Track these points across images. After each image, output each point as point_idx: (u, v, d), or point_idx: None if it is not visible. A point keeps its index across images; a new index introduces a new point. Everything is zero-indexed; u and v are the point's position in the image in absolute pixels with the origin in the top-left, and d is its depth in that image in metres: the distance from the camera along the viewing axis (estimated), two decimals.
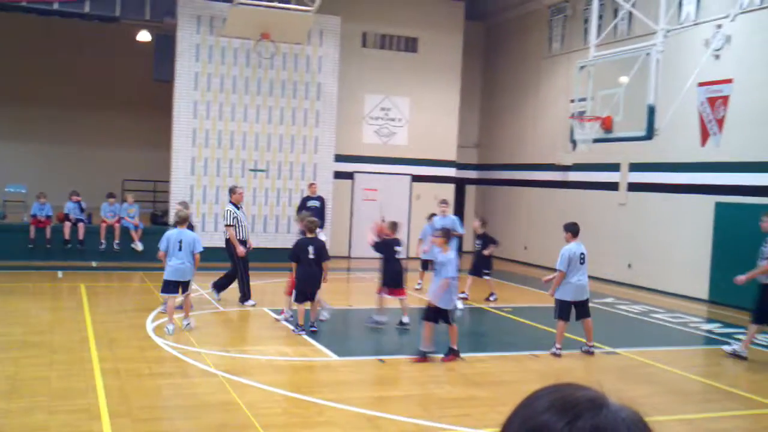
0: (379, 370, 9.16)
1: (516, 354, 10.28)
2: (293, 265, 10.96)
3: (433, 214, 14.93)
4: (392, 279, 11.33)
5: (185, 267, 10.57)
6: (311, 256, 10.76)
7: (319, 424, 7.03)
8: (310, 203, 18.08)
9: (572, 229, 10.32)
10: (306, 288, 10.81)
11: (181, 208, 11.74)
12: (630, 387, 8.70)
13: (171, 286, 10.55)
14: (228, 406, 7.36)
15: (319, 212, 17.94)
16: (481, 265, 14.68)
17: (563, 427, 1.01)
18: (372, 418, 7.17)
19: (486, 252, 14.61)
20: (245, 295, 12.96)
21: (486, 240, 14.72)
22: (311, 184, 18.53)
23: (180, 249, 10.55)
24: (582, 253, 10.15)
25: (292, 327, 11.03)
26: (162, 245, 10.67)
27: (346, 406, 7.47)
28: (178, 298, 10.79)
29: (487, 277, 14.62)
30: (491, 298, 14.52)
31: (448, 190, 22.32)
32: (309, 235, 10.96)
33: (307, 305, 10.91)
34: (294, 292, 10.98)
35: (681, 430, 7.21)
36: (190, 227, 11.50)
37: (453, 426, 7.05)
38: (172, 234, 10.74)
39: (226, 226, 12.83)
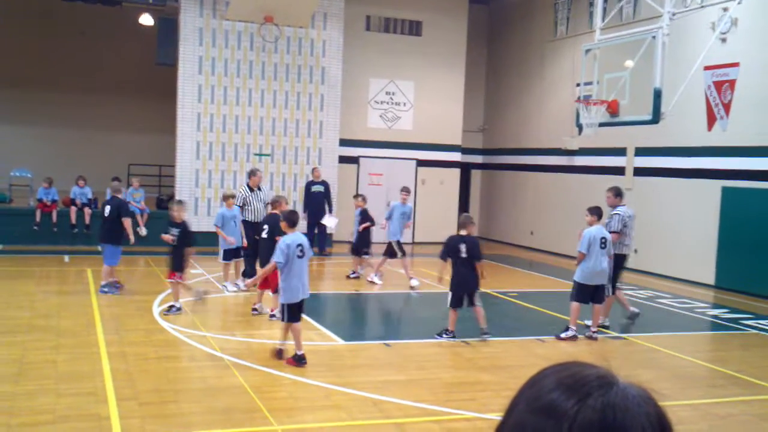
0: (385, 354, 9.17)
1: (522, 339, 10.28)
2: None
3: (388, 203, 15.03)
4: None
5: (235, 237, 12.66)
6: (463, 255, 9.71)
7: (325, 407, 7.04)
8: (314, 188, 18.07)
9: (596, 213, 10.34)
10: (461, 292, 9.76)
11: (229, 187, 14.87)
12: (636, 372, 8.70)
13: (228, 254, 12.79)
14: (234, 389, 7.39)
15: (324, 197, 17.96)
16: (361, 244, 14.57)
17: (573, 405, 0.99)
18: (378, 402, 7.19)
19: (361, 227, 14.51)
20: (246, 273, 12.88)
21: (365, 217, 14.64)
22: (314, 169, 18.51)
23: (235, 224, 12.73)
24: (603, 238, 10.15)
25: (444, 336, 9.87)
26: (218, 221, 12.76)
27: (352, 390, 7.49)
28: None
29: (366, 256, 14.63)
30: (352, 275, 14.71)
31: (454, 175, 22.29)
32: (461, 232, 9.87)
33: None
34: (450, 296, 9.89)
35: (687, 415, 7.21)
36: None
37: (458, 410, 7.06)
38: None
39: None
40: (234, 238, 12.58)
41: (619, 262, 11.01)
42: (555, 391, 1.02)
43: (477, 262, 9.77)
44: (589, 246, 10.08)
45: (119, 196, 12.85)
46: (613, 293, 10.98)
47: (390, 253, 14.19)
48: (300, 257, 8.25)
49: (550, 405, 1.01)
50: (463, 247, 9.71)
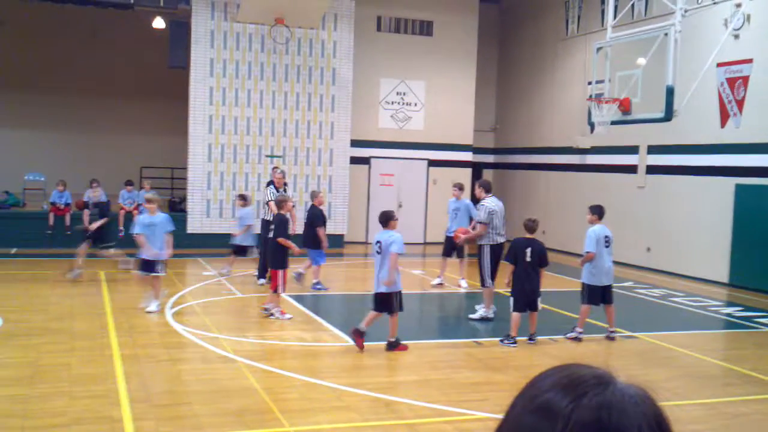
0: (397, 354, 9.16)
1: None
2: (509, 266, 9.76)
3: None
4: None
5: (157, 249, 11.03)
6: (528, 259, 9.62)
7: (336, 408, 7.04)
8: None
9: (598, 211, 10.25)
10: (523, 296, 9.67)
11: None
12: (650, 371, 8.65)
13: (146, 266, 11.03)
14: (247, 391, 7.40)
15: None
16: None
17: (568, 404, 0.98)
18: (390, 403, 7.18)
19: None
20: (261, 273, 13.46)
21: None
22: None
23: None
24: (606, 236, 10.09)
25: (506, 342, 9.68)
26: (138, 230, 11.02)
27: (363, 391, 7.48)
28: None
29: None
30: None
31: (465, 175, 22.23)
32: (528, 235, 9.77)
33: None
34: (511, 299, 9.80)
35: (700, 415, 7.16)
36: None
37: (471, 411, 7.04)
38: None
39: (267, 202, 13.48)
40: (156, 248, 10.93)
41: (496, 253, 11.01)
42: (551, 391, 1.02)
43: (542, 267, 9.74)
44: (596, 245, 10.02)
45: (316, 203, 13.26)
46: (491, 284, 11.04)
47: (448, 252, 14.14)
48: (378, 253, 9.10)
49: (545, 405, 1.00)
50: (528, 251, 9.63)
